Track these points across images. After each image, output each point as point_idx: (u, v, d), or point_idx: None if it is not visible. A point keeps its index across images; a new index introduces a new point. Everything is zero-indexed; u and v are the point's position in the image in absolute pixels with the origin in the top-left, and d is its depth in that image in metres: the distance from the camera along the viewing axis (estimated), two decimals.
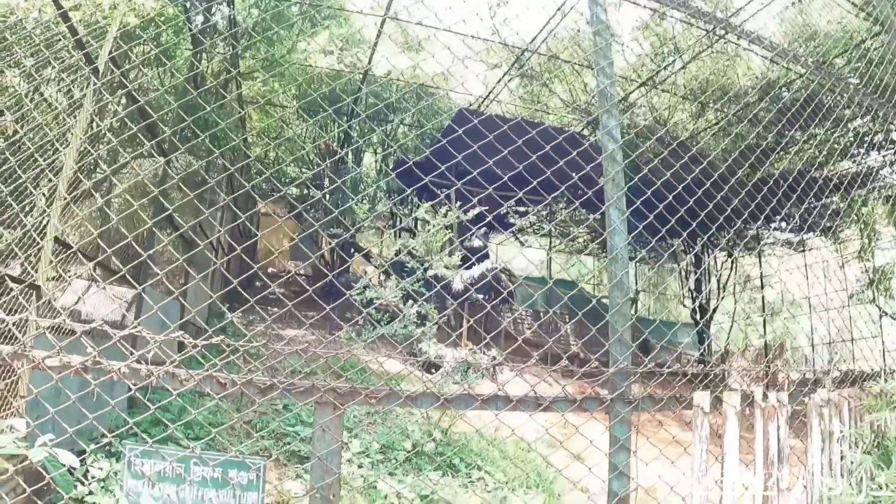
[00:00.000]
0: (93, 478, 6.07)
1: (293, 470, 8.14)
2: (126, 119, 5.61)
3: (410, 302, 11.28)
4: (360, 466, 8.60)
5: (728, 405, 3.76)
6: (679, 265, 22.17)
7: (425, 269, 12.96)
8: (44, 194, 3.98)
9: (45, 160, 3.28)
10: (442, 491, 8.31)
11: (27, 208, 3.64)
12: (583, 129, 17.03)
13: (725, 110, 14.00)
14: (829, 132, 10.97)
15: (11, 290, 3.16)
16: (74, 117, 4.30)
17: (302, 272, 23.10)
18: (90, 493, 5.99)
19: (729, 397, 3.79)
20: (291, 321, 14.74)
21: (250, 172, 15.67)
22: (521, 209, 19.04)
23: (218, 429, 2.76)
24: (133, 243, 3.29)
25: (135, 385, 2.83)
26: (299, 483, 7.77)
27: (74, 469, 3.03)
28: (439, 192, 13.60)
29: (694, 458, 3.65)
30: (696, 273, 21.05)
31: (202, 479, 2.99)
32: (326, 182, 19.09)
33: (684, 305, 22.67)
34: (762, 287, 19.95)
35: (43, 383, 2.98)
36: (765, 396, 3.88)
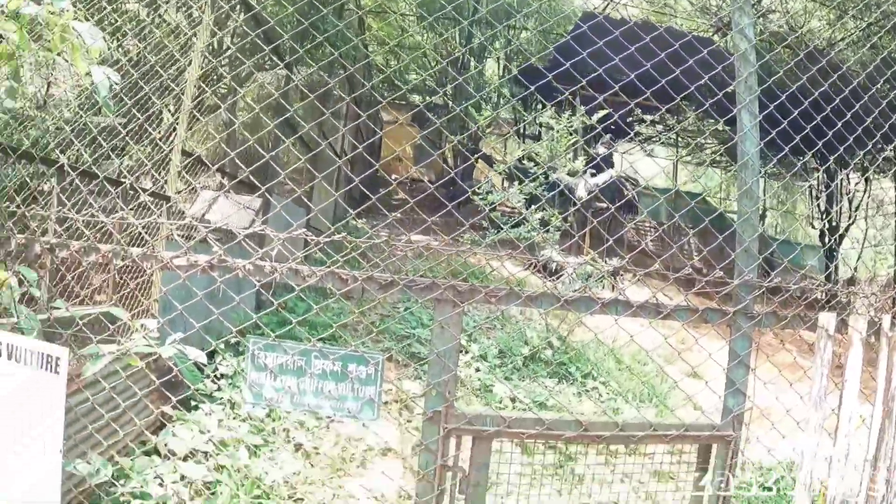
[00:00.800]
0: (221, 375, 6.56)
1: (413, 371, 8.49)
2: (245, 28, 5.73)
3: (533, 207, 11.22)
4: (477, 370, 8.85)
5: (854, 330, 3.57)
6: (809, 182, 20.79)
7: (547, 175, 12.81)
8: (169, 109, 4.20)
9: (169, 76, 3.45)
10: (556, 397, 8.45)
11: (155, 124, 3.85)
12: (713, 35, 15.98)
13: (865, 19, 12.67)
14: None
15: (144, 203, 3.39)
16: (195, 34, 4.46)
17: (425, 178, 23.35)
18: (218, 388, 6.49)
19: (855, 321, 3.59)
20: (414, 227, 15.06)
21: (371, 78, 15.76)
22: (647, 117, 18.30)
23: (339, 322, 2.90)
24: (258, 147, 3.42)
25: (259, 282, 2.99)
26: (417, 383, 8.11)
27: (204, 365, 3.28)
28: (563, 96, 13.26)
29: (814, 383, 3.52)
30: (826, 192, 19.71)
31: (322, 371, 3.12)
32: (449, 89, 18.98)
33: (812, 226, 21.36)
34: None
35: (174, 283, 3.21)
36: (893, 325, 3.66)
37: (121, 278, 3.57)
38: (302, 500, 5.64)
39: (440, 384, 3.17)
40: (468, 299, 3.18)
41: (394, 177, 23.91)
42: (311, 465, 6.19)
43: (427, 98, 21.98)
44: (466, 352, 9.03)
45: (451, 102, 17.45)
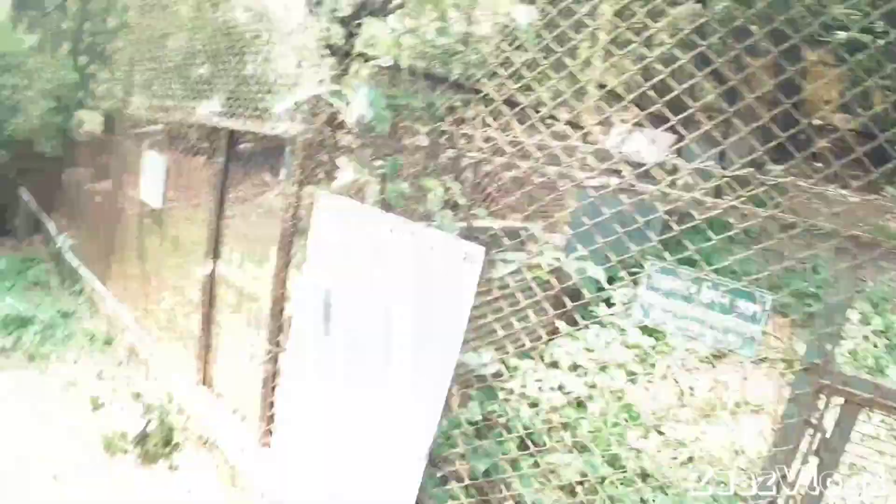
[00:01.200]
0: (615, 301, 6.79)
1: (803, 331, 7.91)
2: None
3: None
4: (875, 346, 7.98)
5: None
6: None
7: None
8: (585, 44, 4.42)
9: (585, 14, 3.66)
10: None
11: (572, 58, 4.11)
12: None
13: None
14: None
15: (560, 130, 3.69)
16: None
17: (851, 127, 20.97)
18: (612, 313, 6.75)
19: None
20: (837, 180, 13.76)
21: (790, 11, 14.47)
22: None
23: (737, 257, 2.89)
24: (671, 82, 3.47)
25: (664, 209, 3.10)
26: (804, 345, 7.55)
27: (602, 287, 3.50)
28: None
29: None
30: None
31: (710, 301, 3.14)
32: (880, 22, 16.60)
33: None
34: None
35: (584, 202, 3.47)
36: None
37: (535, 194, 3.92)
38: (664, 434, 5.75)
39: (823, 336, 2.99)
40: (868, 253, 2.92)
41: (814, 120, 21.87)
42: (683, 405, 6.23)
43: (855, 32, 19.54)
44: (868, 323, 8.15)
45: (882, 40, 15.30)
